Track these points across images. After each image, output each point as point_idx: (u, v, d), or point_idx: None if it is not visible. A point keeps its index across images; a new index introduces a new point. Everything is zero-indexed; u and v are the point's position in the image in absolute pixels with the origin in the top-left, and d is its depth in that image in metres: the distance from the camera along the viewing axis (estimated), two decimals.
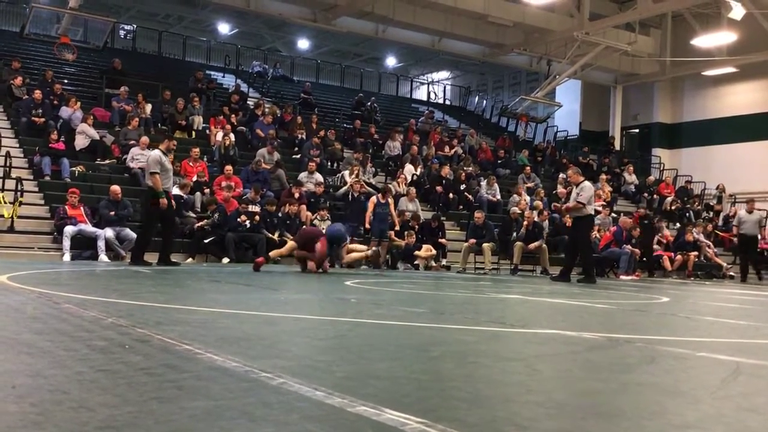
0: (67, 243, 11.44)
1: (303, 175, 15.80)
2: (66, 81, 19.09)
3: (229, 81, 24.35)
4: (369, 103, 23.79)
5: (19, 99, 16.09)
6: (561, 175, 19.78)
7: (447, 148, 21.15)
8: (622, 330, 4.73)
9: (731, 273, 17.50)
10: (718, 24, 22.39)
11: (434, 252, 14.36)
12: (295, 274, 10.26)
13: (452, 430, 1.82)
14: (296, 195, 14.54)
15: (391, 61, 36.66)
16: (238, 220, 13.10)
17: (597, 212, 14.75)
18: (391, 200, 14.12)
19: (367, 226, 13.61)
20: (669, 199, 21.90)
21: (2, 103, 16.63)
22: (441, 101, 32.57)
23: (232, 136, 16.69)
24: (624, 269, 14.99)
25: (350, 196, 15.02)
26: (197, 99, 18.29)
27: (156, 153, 10.59)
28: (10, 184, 12.49)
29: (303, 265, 10.64)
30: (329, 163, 18.14)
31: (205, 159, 15.59)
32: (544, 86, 24.38)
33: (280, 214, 13.96)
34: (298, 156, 17.78)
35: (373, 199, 13.93)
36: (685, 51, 23.86)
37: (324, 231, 11.28)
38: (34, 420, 1.79)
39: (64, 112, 15.73)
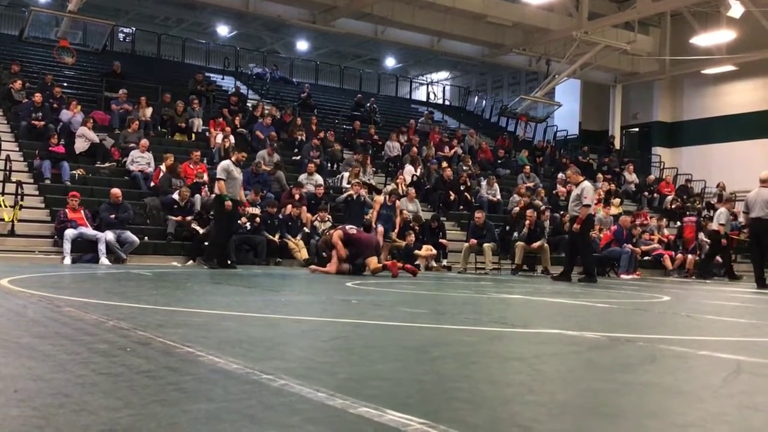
0: (67, 246, 11.44)
1: (303, 177, 15.80)
2: (65, 84, 19.10)
3: (228, 83, 24.36)
4: (368, 104, 23.80)
5: (19, 103, 16.09)
6: (560, 175, 19.79)
7: (447, 149, 21.15)
8: (623, 329, 4.73)
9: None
10: (717, 22, 22.40)
11: (435, 252, 14.36)
12: (295, 276, 10.27)
13: (454, 430, 1.82)
14: (296, 197, 14.54)
15: (390, 62, 36.67)
16: (239, 222, 13.09)
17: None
18: (398, 203, 14.13)
19: (374, 225, 13.55)
20: (669, 197, 21.90)
21: (2, 107, 16.63)
22: (440, 102, 32.58)
23: (231, 138, 16.70)
24: (625, 268, 14.99)
25: (351, 198, 15.02)
26: (197, 101, 18.30)
27: (225, 162, 11.51)
28: (11, 187, 12.49)
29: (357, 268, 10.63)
30: (329, 165, 18.15)
31: (205, 161, 15.59)
32: (543, 86, 24.38)
33: (280, 216, 13.97)
34: (298, 158, 17.79)
35: (380, 199, 13.94)
36: (684, 50, 23.86)
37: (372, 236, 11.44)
38: (36, 424, 1.79)
39: (64, 115, 15.73)
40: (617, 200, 18.73)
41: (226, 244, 11.66)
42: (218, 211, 11.42)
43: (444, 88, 34.80)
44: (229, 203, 11.08)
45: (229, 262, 11.46)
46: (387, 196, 13.94)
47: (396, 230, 14.06)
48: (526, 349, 3.63)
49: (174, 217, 13.07)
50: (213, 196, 12.12)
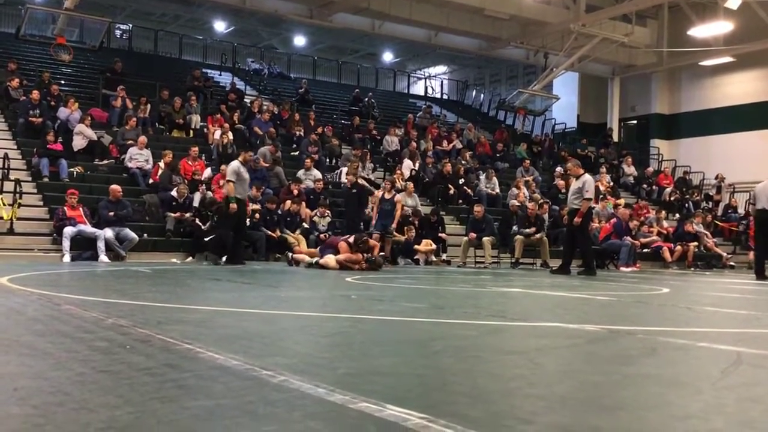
0: (66, 244, 11.44)
1: (301, 173, 15.79)
2: (63, 82, 19.06)
3: (226, 79, 24.31)
4: (366, 99, 23.77)
5: (16, 101, 16.06)
6: (558, 169, 19.80)
7: (445, 143, 21.14)
8: (622, 322, 4.73)
9: (731, 263, 17.51)
10: (714, 13, 22.35)
11: (434, 246, 14.35)
12: (295, 271, 10.28)
13: (454, 425, 1.82)
14: (295, 192, 14.53)
15: (388, 57, 36.60)
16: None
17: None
18: (397, 197, 14.10)
19: (374, 222, 13.54)
20: (668, 190, 21.90)
21: None
22: (438, 96, 32.53)
23: (230, 134, 16.67)
24: (624, 261, 14.99)
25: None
26: (194, 98, 18.26)
27: (234, 163, 11.52)
28: (9, 185, 12.47)
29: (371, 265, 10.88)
30: (328, 160, 18.13)
31: (204, 157, 15.58)
32: (541, 79, 24.35)
33: (280, 212, 13.96)
34: (297, 153, 17.77)
35: (378, 194, 13.91)
36: (681, 41, 23.83)
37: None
38: (36, 422, 1.79)
39: (62, 112, 15.69)
40: (622, 200, 18.74)
41: (238, 242, 11.66)
42: (225, 212, 11.39)
43: (442, 82, 34.75)
44: (234, 205, 11.09)
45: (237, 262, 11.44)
46: (386, 191, 13.90)
47: (394, 223, 14.01)
48: (526, 343, 3.63)
49: (173, 214, 13.06)
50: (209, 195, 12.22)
